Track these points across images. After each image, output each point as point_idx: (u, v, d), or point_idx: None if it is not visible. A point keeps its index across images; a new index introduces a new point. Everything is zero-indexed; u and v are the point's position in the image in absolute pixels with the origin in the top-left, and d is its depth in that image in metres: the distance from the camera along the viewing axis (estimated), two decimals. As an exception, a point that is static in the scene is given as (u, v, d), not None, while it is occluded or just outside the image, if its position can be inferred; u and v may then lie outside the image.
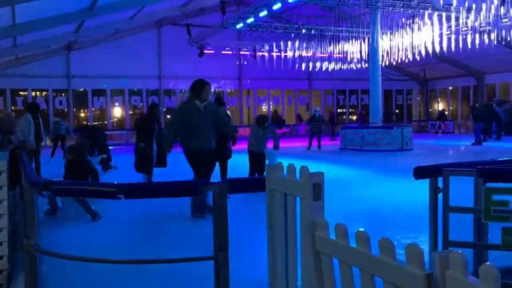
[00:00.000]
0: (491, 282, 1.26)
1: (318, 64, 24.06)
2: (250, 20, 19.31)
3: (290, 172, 2.53)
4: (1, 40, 16.90)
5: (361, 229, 1.84)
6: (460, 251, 1.41)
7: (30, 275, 3.01)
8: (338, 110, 33.73)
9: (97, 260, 3.07)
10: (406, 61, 21.17)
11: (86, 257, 3.12)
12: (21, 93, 25.83)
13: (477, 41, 18.38)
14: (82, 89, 26.97)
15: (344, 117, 33.79)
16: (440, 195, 3.31)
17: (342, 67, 24.34)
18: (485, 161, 3.67)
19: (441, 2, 15.82)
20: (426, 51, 19.42)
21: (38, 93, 26.40)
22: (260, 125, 9.38)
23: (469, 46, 18.46)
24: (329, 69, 24.22)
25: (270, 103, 31.58)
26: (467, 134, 27.30)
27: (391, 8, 18.29)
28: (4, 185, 3.77)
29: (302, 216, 2.33)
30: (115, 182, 2.62)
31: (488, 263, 1.30)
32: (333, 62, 24.21)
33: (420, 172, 3.33)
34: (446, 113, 31.64)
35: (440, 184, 3.30)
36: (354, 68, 23.71)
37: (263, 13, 17.54)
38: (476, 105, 23.13)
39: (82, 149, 6.58)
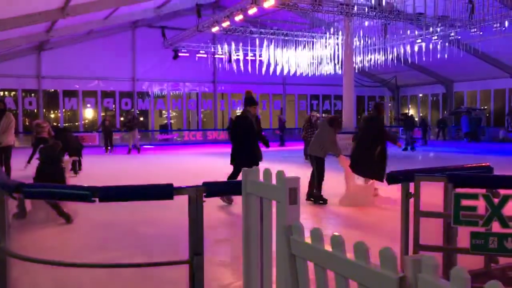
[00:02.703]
0: (462, 285, 1.30)
1: (292, 69, 24.25)
2: (226, 24, 19.32)
3: (267, 177, 2.55)
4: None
5: (336, 233, 1.88)
6: (431, 255, 1.46)
7: (0, 280, 2.94)
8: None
9: (68, 264, 3.02)
10: (378, 67, 21.57)
11: (57, 261, 3.07)
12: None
13: (446, 50, 18.89)
14: (52, 90, 26.43)
15: (318, 121, 34.06)
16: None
17: (316, 73, 24.64)
18: (455, 166, 3.78)
19: (413, 11, 16.17)
20: (398, 58, 19.83)
21: (6, 93, 25.74)
22: (336, 127, 8.26)
23: (439, 54, 18.95)
24: (303, 74, 24.48)
25: (245, 107, 31.59)
26: (437, 141, 27.95)
27: (364, 16, 18.61)
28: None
29: (278, 220, 2.35)
30: (88, 185, 2.59)
31: (458, 266, 1.34)
32: (307, 67, 24.47)
33: (392, 177, 3.41)
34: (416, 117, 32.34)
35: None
36: (327, 74, 24.00)
37: (239, 17, 17.58)
38: (406, 115, 25.03)
39: (54, 150, 6.43)
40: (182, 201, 2.75)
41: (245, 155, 7.74)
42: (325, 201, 7.83)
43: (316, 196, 7.91)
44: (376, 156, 8.02)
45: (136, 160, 16.74)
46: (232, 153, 7.95)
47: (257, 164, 7.78)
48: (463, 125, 27.73)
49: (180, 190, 2.65)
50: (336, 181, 8.57)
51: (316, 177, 7.91)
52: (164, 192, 2.63)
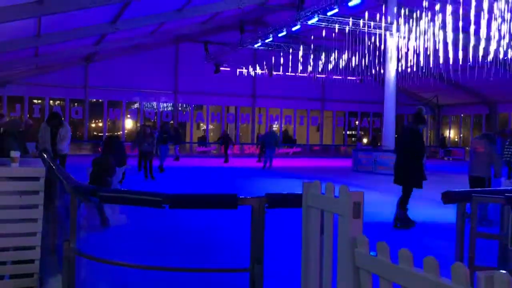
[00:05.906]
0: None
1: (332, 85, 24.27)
2: (269, 40, 19.60)
3: (329, 190, 2.63)
4: (24, 49, 17.30)
5: (405, 249, 1.93)
6: (505, 272, 1.49)
7: (68, 278, 3.12)
8: (348, 132, 33.84)
9: (132, 266, 3.18)
10: (420, 86, 21.29)
11: (123, 262, 3.23)
12: (39, 101, 26.28)
13: (492, 70, 18.48)
14: (97, 100, 27.38)
15: (353, 139, 33.87)
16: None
17: (356, 89, 24.58)
18: (513, 189, 3.74)
19: (460, 30, 15.97)
20: (441, 77, 19.54)
21: (52, 102, 26.82)
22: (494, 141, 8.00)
23: (484, 75, 18.55)
24: (342, 91, 24.50)
25: (282, 121, 31.76)
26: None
27: (407, 34, 18.48)
28: (41, 191, 3.90)
29: (341, 233, 2.42)
30: (161, 192, 2.74)
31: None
32: (347, 84, 24.46)
33: (448, 197, 3.42)
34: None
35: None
36: (368, 91, 23.86)
37: (282, 34, 17.80)
38: None
39: (106, 161, 6.66)
40: (227, 211, 2.84)
41: (418, 173, 7.33)
42: (490, 223, 7.22)
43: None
44: None
45: (177, 172, 17.08)
46: (401, 171, 7.46)
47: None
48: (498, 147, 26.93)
49: (244, 200, 2.77)
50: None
51: None
52: (229, 201, 2.75)
